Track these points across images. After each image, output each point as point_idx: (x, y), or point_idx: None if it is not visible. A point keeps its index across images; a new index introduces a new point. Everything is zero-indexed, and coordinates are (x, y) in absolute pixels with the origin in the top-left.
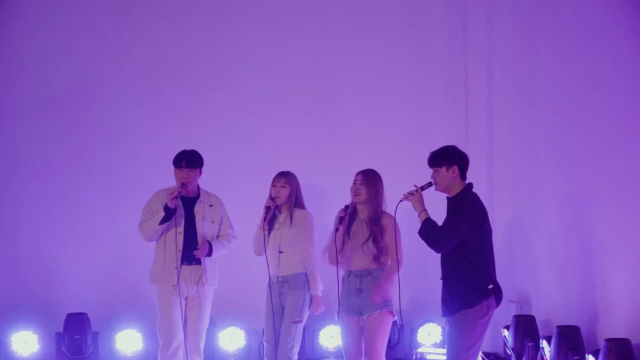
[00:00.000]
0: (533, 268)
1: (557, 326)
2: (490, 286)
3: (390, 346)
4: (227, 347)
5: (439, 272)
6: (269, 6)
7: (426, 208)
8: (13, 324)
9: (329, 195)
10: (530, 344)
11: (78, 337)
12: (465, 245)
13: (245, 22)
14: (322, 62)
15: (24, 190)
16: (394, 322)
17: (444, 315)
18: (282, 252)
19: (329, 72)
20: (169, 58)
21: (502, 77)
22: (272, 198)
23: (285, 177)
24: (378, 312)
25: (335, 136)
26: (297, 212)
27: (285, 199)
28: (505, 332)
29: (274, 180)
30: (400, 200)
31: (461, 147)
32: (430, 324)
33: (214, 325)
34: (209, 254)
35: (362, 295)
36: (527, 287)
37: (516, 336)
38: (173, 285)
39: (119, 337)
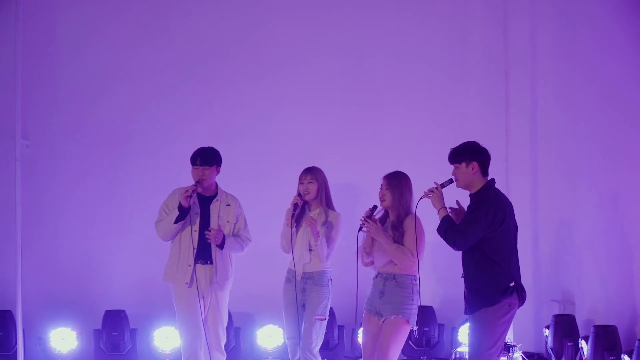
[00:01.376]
0: (577, 267)
1: (594, 326)
2: (512, 284)
3: (430, 345)
4: (265, 345)
5: None
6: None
7: (445, 205)
8: (52, 320)
9: (364, 195)
10: (569, 343)
11: (116, 334)
12: (485, 243)
13: (281, 15)
14: (360, 61)
15: (64, 189)
16: (411, 332)
17: (465, 313)
18: (312, 249)
19: (368, 71)
20: (203, 53)
21: (543, 84)
22: (299, 195)
23: (312, 173)
24: (394, 317)
25: (373, 136)
26: (332, 214)
27: (315, 194)
28: (547, 332)
29: (300, 178)
30: (421, 198)
31: (503, 152)
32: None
33: (252, 323)
34: (221, 246)
35: (384, 299)
36: (571, 287)
37: (555, 336)
38: (186, 283)
39: (157, 334)
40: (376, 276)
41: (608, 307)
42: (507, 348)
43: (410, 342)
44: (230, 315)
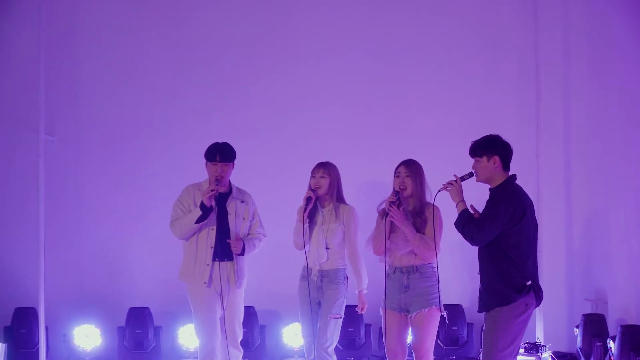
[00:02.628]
0: (610, 265)
1: (621, 326)
2: (529, 282)
3: (459, 344)
4: (291, 343)
5: None
6: None
7: (464, 199)
8: (77, 317)
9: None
10: (598, 343)
11: (139, 331)
12: (503, 239)
13: (302, 13)
14: (384, 59)
15: (89, 186)
16: (442, 318)
17: (479, 311)
18: (329, 248)
19: (392, 70)
20: (224, 48)
21: (574, 78)
22: (312, 189)
23: (325, 168)
24: (427, 309)
25: (398, 136)
26: (343, 208)
27: (326, 189)
28: (577, 331)
29: (313, 172)
30: (439, 190)
31: (534, 149)
32: None
33: (279, 321)
34: (242, 253)
35: (410, 293)
36: (603, 285)
37: (585, 336)
38: (205, 283)
39: (182, 332)
40: (394, 271)
41: (638, 306)
42: (536, 348)
43: (438, 341)
44: (255, 313)
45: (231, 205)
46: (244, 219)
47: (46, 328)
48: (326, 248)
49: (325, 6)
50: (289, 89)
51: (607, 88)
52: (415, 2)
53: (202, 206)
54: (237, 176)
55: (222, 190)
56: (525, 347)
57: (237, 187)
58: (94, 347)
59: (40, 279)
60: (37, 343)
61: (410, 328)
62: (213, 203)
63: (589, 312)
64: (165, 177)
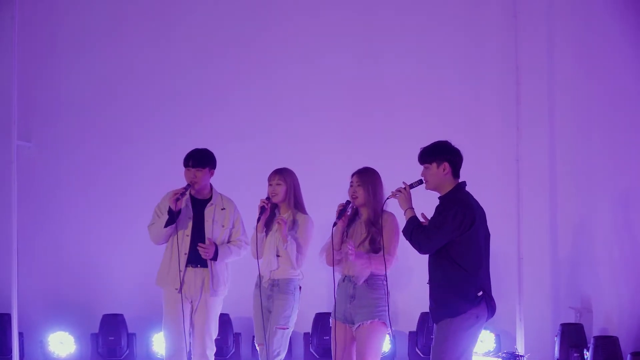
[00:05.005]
0: (594, 274)
1: (594, 337)
2: (480, 293)
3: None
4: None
5: (491, 273)
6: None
7: (413, 206)
8: (52, 324)
9: None
10: (575, 354)
11: (112, 338)
12: (452, 248)
13: (289, 17)
14: (368, 63)
15: (63, 191)
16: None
17: (431, 323)
18: (279, 255)
19: (376, 73)
20: (207, 54)
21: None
22: (267, 198)
23: (280, 174)
24: (370, 322)
25: (382, 139)
26: (299, 216)
27: (283, 197)
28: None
29: (269, 179)
30: (387, 198)
31: (514, 152)
32: (483, 331)
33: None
34: (214, 258)
35: (355, 303)
36: (589, 294)
37: (562, 345)
38: (176, 289)
39: (156, 338)
40: (343, 279)
41: (621, 315)
42: (514, 357)
43: (417, 349)
44: (230, 321)
45: (209, 212)
46: (223, 226)
47: (21, 334)
48: (277, 255)
49: (308, 10)
50: (276, 93)
51: (591, 89)
52: (396, 4)
53: (169, 210)
54: (229, 182)
55: (202, 196)
56: (502, 357)
57: (219, 194)
58: (69, 353)
59: (12, 285)
60: (12, 349)
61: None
62: (189, 206)
63: (572, 321)
64: (141, 183)
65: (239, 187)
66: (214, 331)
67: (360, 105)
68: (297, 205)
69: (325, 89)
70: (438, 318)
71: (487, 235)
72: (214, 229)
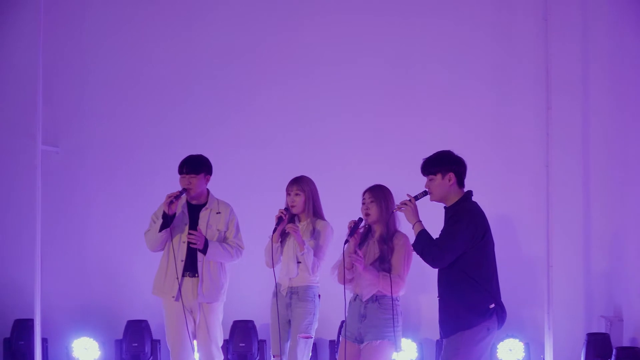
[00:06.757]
0: (627, 283)
1: (616, 347)
2: (492, 306)
3: None
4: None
5: (517, 283)
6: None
7: (421, 219)
8: (76, 330)
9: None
10: None
11: (136, 344)
12: (464, 260)
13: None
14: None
15: (88, 197)
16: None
17: (441, 338)
18: (300, 262)
19: (403, 79)
20: (230, 58)
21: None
22: (286, 208)
23: (298, 184)
24: (379, 342)
25: (405, 144)
26: (319, 223)
27: (302, 207)
28: None
29: (287, 189)
30: (393, 211)
31: (543, 157)
32: (512, 340)
33: None
34: (204, 251)
35: (366, 322)
36: (620, 303)
37: (587, 355)
38: (173, 297)
39: None
40: (354, 299)
41: None
42: None
43: None
44: (254, 328)
45: (204, 216)
46: (217, 230)
47: (46, 340)
48: (297, 262)
49: (332, 13)
50: (293, 99)
51: (626, 93)
52: (423, 9)
53: (163, 214)
54: (239, 188)
55: (198, 202)
56: None
57: (216, 199)
58: (93, 359)
59: (36, 291)
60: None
61: None
62: (185, 212)
63: (603, 330)
64: (166, 190)
65: (257, 193)
66: (219, 338)
67: (386, 111)
68: (316, 213)
69: (349, 95)
70: (449, 332)
71: (493, 244)
72: (207, 233)
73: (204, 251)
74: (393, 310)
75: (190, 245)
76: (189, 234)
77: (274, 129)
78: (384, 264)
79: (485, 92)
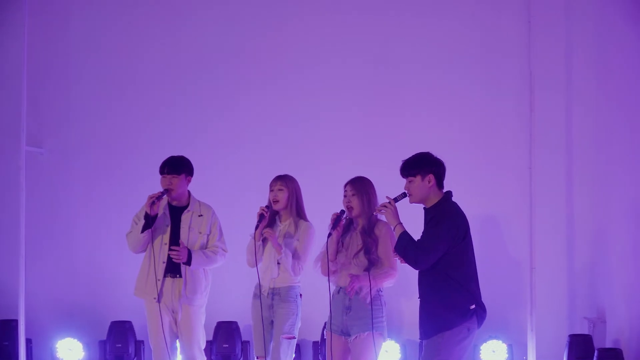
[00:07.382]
0: (610, 284)
1: (598, 349)
2: (473, 306)
3: None
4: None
5: (501, 285)
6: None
7: (401, 221)
8: (61, 330)
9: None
10: None
11: (120, 345)
12: (445, 260)
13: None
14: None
15: (72, 198)
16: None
17: (421, 339)
18: (280, 263)
19: (386, 79)
20: (217, 58)
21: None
22: (267, 205)
23: (282, 180)
24: (366, 333)
25: (392, 142)
26: (301, 223)
27: (285, 203)
28: None
29: (270, 185)
30: (373, 214)
31: (526, 159)
32: (495, 341)
33: None
34: (188, 262)
35: (351, 315)
36: (604, 304)
37: (570, 357)
38: (154, 298)
39: None
40: (338, 291)
41: (631, 326)
42: None
43: None
44: (238, 329)
45: (185, 218)
46: (200, 232)
47: (30, 341)
48: (277, 263)
49: (320, 14)
50: (279, 100)
51: (608, 95)
52: (408, 8)
53: (145, 215)
54: (222, 189)
55: (179, 204)
56: None
57: (198, 201)
58: None
59: (20, 291)
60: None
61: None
62: (167, 214)
63: (586, 331)
64: (151, 190)
65: (244, 194)
66: (202, 340)
67: (369, 111)
68: (299, 212)
69: (333, 94)
70: (430, 333)
71: (472, 245)
72: (190, 236)
73: (188, 263)
74: (378, 300)
75: (174, 260)
76: (171, 249)
77: (260, 130)
78: (369, 254)
79: (469, 94)
